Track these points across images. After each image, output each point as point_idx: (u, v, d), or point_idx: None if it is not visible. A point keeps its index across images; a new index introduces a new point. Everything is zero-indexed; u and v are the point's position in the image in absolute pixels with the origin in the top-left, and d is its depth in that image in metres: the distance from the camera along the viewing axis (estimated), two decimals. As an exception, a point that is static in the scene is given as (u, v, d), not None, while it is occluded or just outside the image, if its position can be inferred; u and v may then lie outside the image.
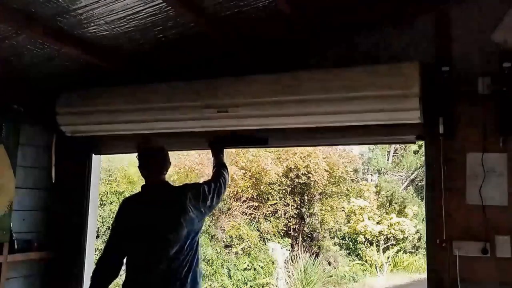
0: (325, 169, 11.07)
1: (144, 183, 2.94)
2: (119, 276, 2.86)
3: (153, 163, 2.90)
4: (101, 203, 8.26)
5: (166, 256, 2.70)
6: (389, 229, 11.78)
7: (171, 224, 2.75)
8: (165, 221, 2.76)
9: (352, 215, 12.15)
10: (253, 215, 10.46)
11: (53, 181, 3.87)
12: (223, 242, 9.58)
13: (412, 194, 13.27)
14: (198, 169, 9.99)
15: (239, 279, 9.17)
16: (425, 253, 3.20)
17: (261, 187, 10.66)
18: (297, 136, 3.43)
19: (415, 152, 13.71)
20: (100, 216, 7.75)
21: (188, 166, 10.10)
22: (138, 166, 2.92)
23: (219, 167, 3.24)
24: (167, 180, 2.96)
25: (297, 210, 11.22)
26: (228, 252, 9.51)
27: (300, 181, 10.95)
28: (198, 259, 2.83)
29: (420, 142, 3.32)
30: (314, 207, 11.47)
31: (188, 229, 2.76)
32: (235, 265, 9.35)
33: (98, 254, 7.48)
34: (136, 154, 2.96)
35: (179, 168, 10.00)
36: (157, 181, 2.90)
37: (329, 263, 11.22)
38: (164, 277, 2.69)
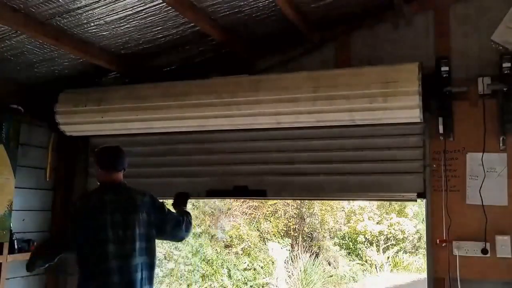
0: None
1: (101, 182, 2.94)
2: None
3: (110, 162, 2.92)
4: (101, 203, 8.26)
5: (120, 253, 2.73)
6: (389, 229, 11.75)
7: (128, 222, 2.79)
8: (122, 219, 2.79)
9: (352, 215, 12.13)
10: (253, 215, 10.45)
11: (47, 179, 3.86)
12: (223, 242, 9.58)
13: (412, 194, 13.22)
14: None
15: (239, 279, 9.16)
16: (425, 253, 3.20)
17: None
18: (295, 190, 3.47)
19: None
20: (100, 216, 7.75)
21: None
22: (98, 165, 2.94)
23: (184, 212, 3.23)
24: (124, 181, 2.98)
25: (297, 210, 11.20)
26: (228, 252, 9.51)
27: (300, 181, 10.93)
28: (154, 263, 2.88)
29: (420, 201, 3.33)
30: (314, 207, 11.46)
31: (142, 230, 2.80)
32: (235, 265, 9.35)
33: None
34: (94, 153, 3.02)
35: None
36: (115, 180, 2.92)
37: (329, 263, 11.20)
38: (122, 275, 2.71)
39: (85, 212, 2.84)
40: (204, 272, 8.76)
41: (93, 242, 2.75)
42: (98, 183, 2.92)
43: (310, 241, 11.38)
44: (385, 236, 11.81)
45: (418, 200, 3.32)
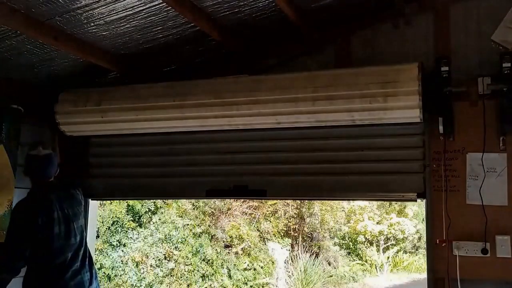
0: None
1: (35, 185, 3.02)
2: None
3: (41, 169, 3.01)
4: (101, 203, 8.26)
5: (77, 244, 3.01)
6: (389, 229, 11.76)
7: (74, 216, 3.03)
8: (72, 213, 3.02)
9: (352, 215, 12.14)
10: (253, 215, 10.44)
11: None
12: (223, 242, 9.58)
13: (412, 194, 13.17)
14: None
15: (239, 279, 9.16)
16: (425, 253, 3.20)
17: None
18: (295, 190, 3.48)
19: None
20: (100, 216, 7.76)
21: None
22: (32, 175, 3.03)
23: None
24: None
25: (297, 210, 11.21)
26: (228, 252, 9.51)
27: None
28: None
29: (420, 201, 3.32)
30: (314, 207, 11.46)
31: (82, 222, 3.11)
32: (235, 265, 9.35)
33: (98, 254, 7.45)
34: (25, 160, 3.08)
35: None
36: (48, 183, 3.04)
37: (329, 263, 11.21)
38: (76, 262, 2.97)
39: (36, 213, 2.89)
40: (204, 272, 8.76)
41: (50, 240, 2.88)
42: (32, 182, 3.04)
43: (310, 241, 11.39)
44: (385, 236, 11.82)
45: (418, 200, 3.31)
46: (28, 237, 2.85)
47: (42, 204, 2.93)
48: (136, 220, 8.35)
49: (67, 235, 2.95)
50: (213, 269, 8.95)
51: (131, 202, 8.07)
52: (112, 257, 7.82)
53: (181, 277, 8.48)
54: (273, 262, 10.04)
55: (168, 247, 8.50)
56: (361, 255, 11.92)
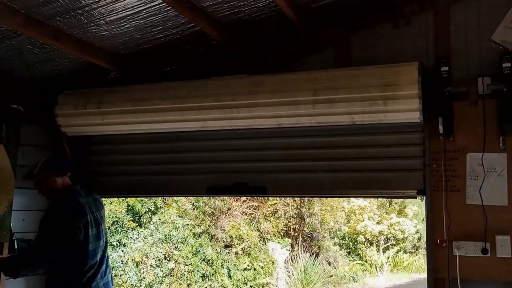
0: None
1: (65, 187, 3.08)
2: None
3: (70, 165, 3.18)
4: (101, 203, 8.28)
5: (103, 246, 3.12)
6: (389, 229, 11.76)
7: (101, 219, 3.14)
8: (99, 217, 3.12)
9: (352, 215, 12.14)
10: (253, 215, 10.44)
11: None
12: (223, 242, 9.58)
13: (412, 194, 13.17)
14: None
15: (239, 279, 9.17)
16: (425, 253, 3.20)
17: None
18: (295, 187, 3.48)
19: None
20: (100, 216, 7.76)
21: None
22: (60, 173, 3.07)
23: None
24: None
25: (297, 210, 11.21)
26: (228, 252, 9.51)
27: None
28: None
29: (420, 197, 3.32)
30: (314, 207, 11.46)
31: (104, 225, 3.21)
32: (235, 265, 9.35)
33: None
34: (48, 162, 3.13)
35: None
36: (72, 184, 3.12)
37: (329, 263, 11.21)
38: (104, 263, 3.09)
39: (75, 215, 2.96)
40: (204, 272, 8.76)
41: (82, 242, 2.94)
42: (59, 189, 3.08)
43: (310, 241, 11.39)
44: (385, 236, 11.82)
45: (418, 200, 3.31)
46: (66, 235, 2.91)
47: (79, 207, 3.01)
48: (136, 220, 8.36)
49: (98, 237, 3.06)
50: (213, 269, 8.95)
51: (131, 202, 8.07)
52: (112, 257, 7.81)
53: (181, 277, 8.49)
54: (273, 262, 10.04)
55: (168, 247, 8.51)
56: (361, 255, 11.92)
